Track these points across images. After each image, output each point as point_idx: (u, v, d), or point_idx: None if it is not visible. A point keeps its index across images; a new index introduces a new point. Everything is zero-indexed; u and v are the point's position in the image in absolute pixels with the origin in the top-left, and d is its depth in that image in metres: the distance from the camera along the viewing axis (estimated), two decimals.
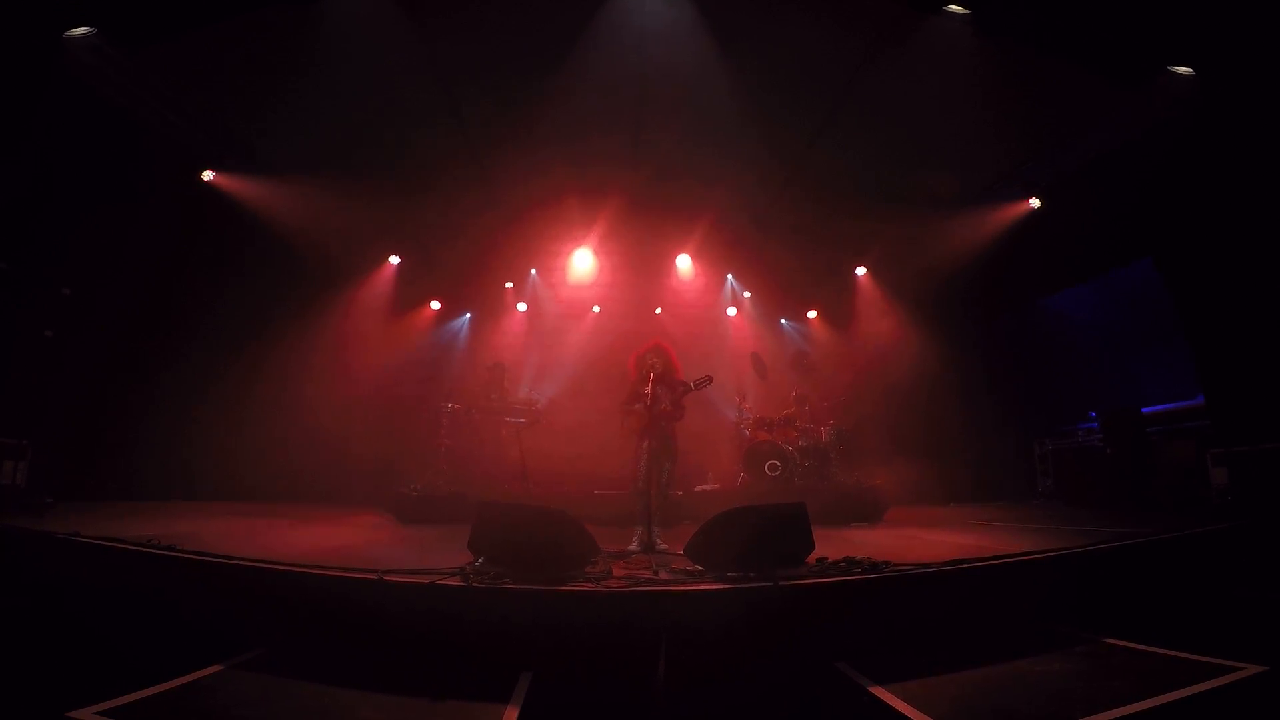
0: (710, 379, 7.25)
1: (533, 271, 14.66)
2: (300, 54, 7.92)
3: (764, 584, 4.05)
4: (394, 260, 13.57)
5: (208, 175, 10.17)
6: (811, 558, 4.60)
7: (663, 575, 4.53)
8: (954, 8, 7.40)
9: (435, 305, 14.60)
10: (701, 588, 4.06)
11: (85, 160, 8.54)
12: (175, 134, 9.24)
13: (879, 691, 3.32)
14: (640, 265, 14.05)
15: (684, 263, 14.07)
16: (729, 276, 14.95)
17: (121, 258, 9.57)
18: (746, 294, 15.13)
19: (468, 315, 15.08)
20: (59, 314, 8.42)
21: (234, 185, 10.41)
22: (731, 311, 15.29)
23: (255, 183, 10.50)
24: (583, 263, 13.85)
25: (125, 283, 9.75)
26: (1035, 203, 11.15)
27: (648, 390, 6.69)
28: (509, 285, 14.76)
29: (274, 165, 10.44)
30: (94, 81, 7.86)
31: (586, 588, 4.00)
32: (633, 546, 6.27)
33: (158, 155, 9.32)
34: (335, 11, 7.50)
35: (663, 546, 6.15)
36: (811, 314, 15.35)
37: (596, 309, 14.82)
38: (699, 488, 11.06)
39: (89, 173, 8.67)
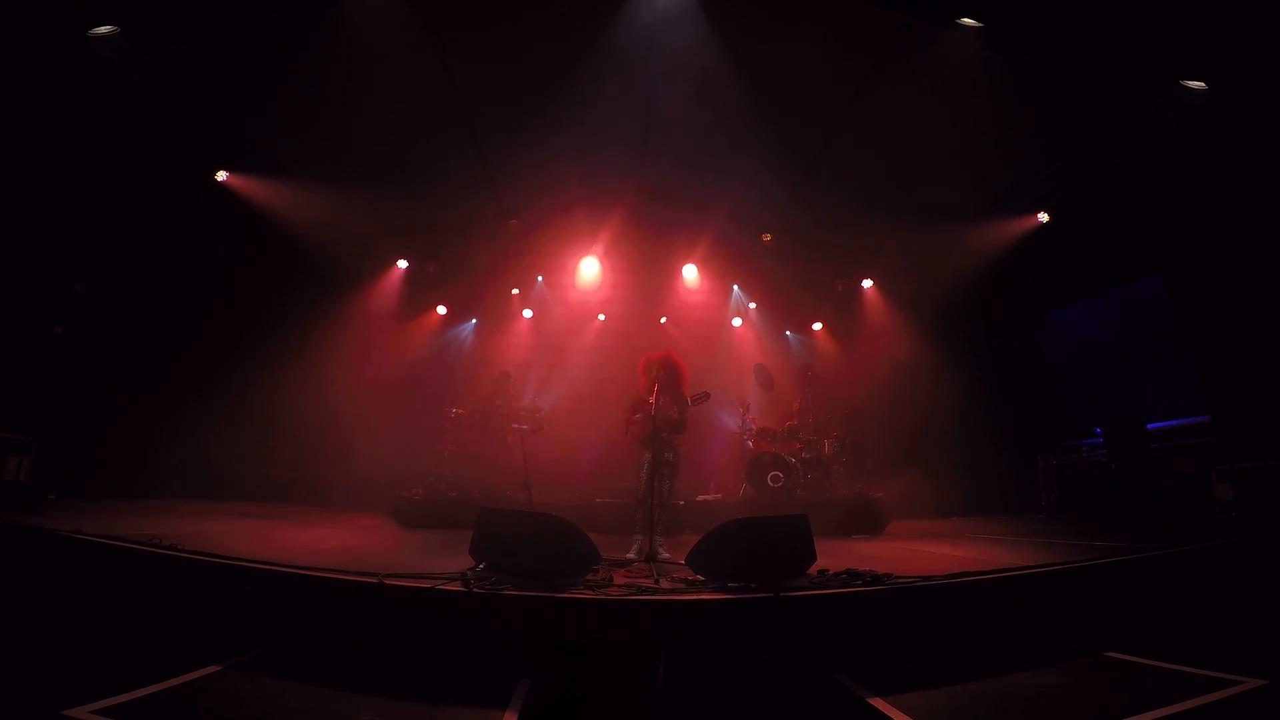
0: (707, 395, 7.23)
1: (539, 278, 14.67)
2: (314, 60, 8.01)
3: (765, 595, 4.03)
4: (402, 264, 13.59)
5: (221, 176, 10.21)
6: (813, 569, 4.58)
7: (664, 584, 4.52)
8: (966, 21, 7.42)
9: (441, 310, 14.58)
10: (702, 597, 4.05)
11: (101, 157, 8.63)
12: (191, 134, 9.29)
13: (878, 703, 3.30)
14: (646, 274, 14.04)
15: (690, 272, 14.05)
16: (734, 287, 14.93)
17: (133, 255, 9.64)
18: (752, 305, 15.11)
19: (473, 321, 15.08)
20: (69, 310, 8.46)
21: (246, 187, 10.47)
22: (737, 322, 15.26)
23: (267, 184, 10.55)
24: (589, 270, 13.85)
25: (135, 281, 9.81)
26: (1043, 217, 11.13)
27: (652, 400, 6.68)
28: (515, 292, 14.75)
29: (285, 168, 10.49)
30: (114, 80, 7.92)
31: (587, 595, 4.00)
32: (633, 555, 6.26)
33: (173, 154, 9.39)
34: (351, 18, 7.56)
35: (664, 555, 6.12)
36: (817, 326, 15.33)
37: (601, 317, 14.81)
38: (701, 498, 11.04)
39: (104, 169, 8.74)
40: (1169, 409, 10.61)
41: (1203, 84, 7.74)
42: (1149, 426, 10.62)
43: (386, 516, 9.66)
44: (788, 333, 15.60)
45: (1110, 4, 6.91)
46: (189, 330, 10.75)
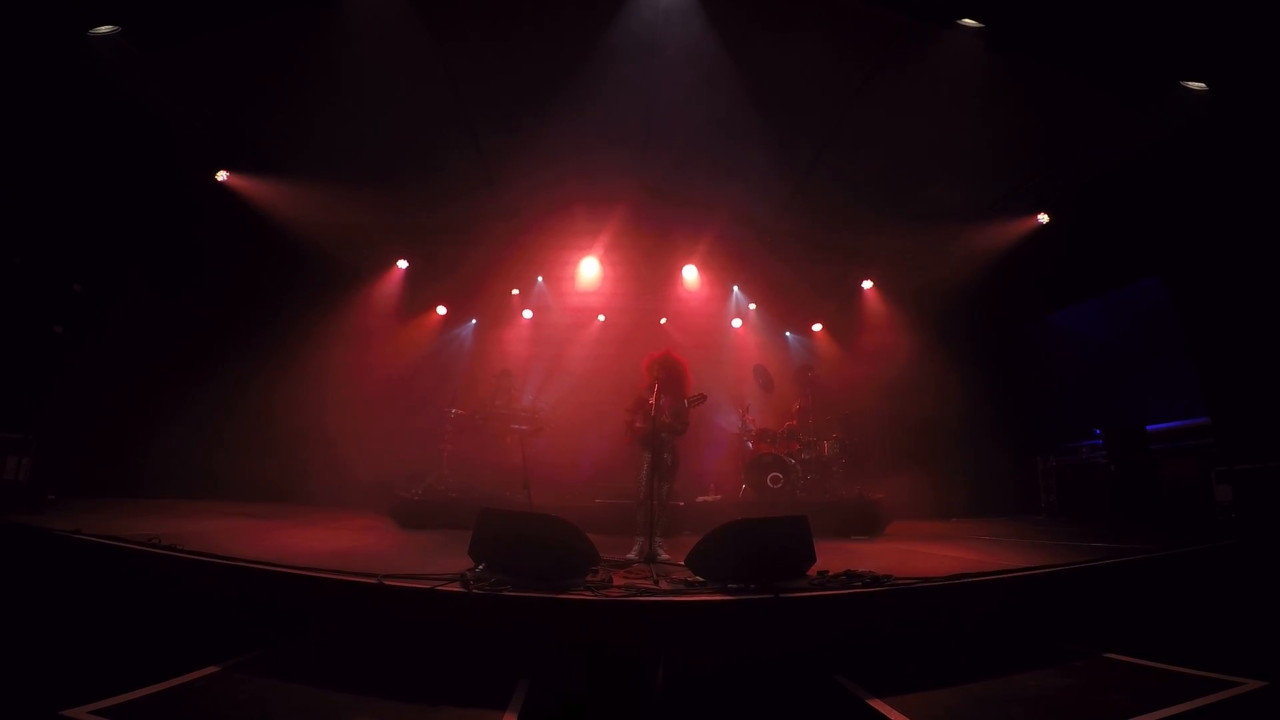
0: (703, 397, 7.23)
1: (539, 279, 14.66)
2: (314, 59, 8.01)
3: (764, 596, 4.03)
4: (402, 264, 13.59)
5: (221, 175, 10.21)
6: (812, 570, 4.58)
7: (663, 585, 4.52)
8: (967, 21, 7.42)
9: (441, 310, 14.59)
10: (702, 599, 4.05)
11: (102, 156, 8.62)
12: (191, 133, 9.30)
13: (878, 704, 3.30)
14: (646, 275, 14.04)
15: (690, 273, 14.04)
16: (734, 288, 14.93)
17: (133, 255, 9.65)
18: (752, 306, 15.10)
19: (473, 321, 15.08)
20: (69, 310, 8.45)
21: (247, 186, 10.47)
22: (736, 323, 15.26)
23: (267, 184, 10.55)
24: (589, 271, 13.84)
25: (136, 280, 9.81)
26: (1043, 218, 11.12)
27: (652, 400, 6.68)
28: (515, 292, 14.76)
29: (285, 167, 10.49)
30: (114, 79, 7.91)
31: (586, 596, 3.99)
32: (633, 555, 6.25)
33: (174, 154, 9.39)
34: (352, 18, 7.56)
35: (664, 556, 6.11)
36: (817, 327, 15.33)
37: (601, 318, 14.81)
38: (701, 498, 11.03)
39: (105, 169, 8.74)
40: (1168, 410, 10.61)
41: (1203, 85, 7.74)
42: (1148, 428, 10.63)
43: (386, 517, 9.67)
44: (787, 333, 15.60)
45: (1110, 4, 6.91)
46: (189, 330, 10.73)
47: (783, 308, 14.96)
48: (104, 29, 7.35)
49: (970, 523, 11.16)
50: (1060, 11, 7.09)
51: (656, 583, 4.63)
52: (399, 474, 11.20)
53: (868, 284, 14.13)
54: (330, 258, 12.39)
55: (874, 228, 12.09)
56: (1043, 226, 11.19)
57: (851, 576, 4.44)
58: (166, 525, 6.28)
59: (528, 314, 14.95)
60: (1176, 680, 3.58)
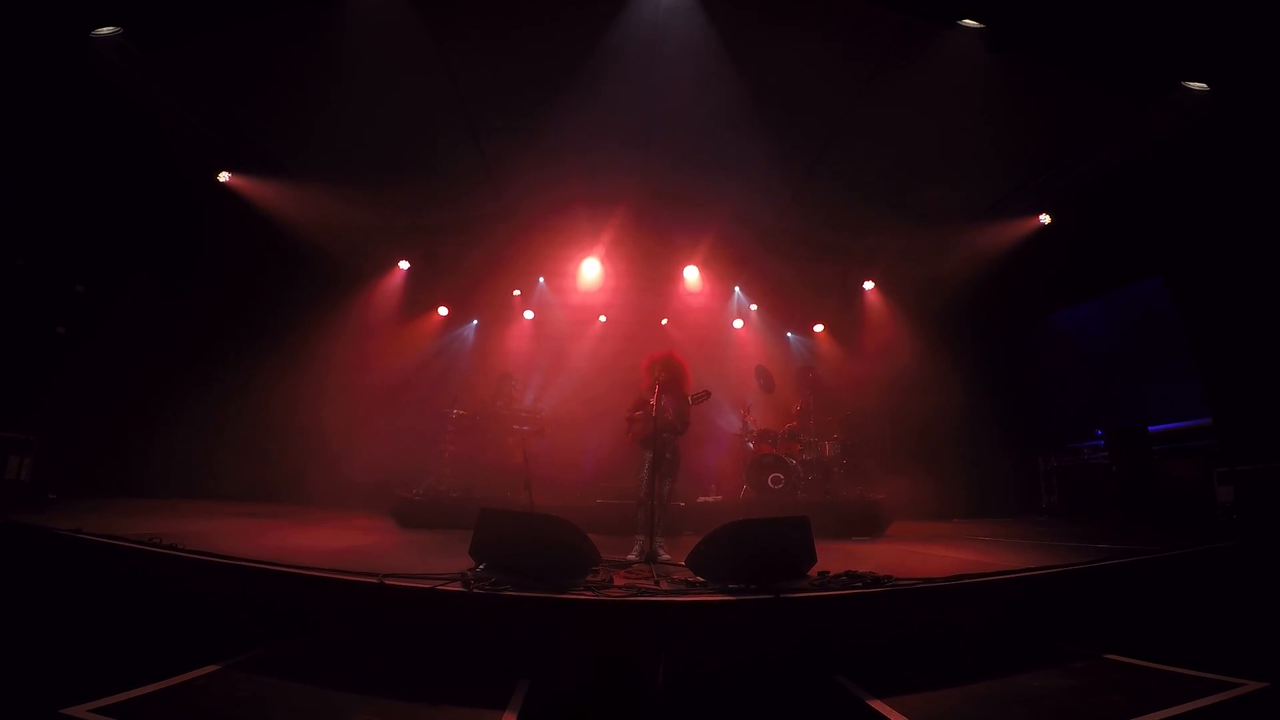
0: (708, 394, 7.22)
1: (540, 280, 14.66)
2: (316, 60, 8.03)
3: (765, 596, 4.03)
4: (403, 265, 13.61)
5: (224, 177, 10.22)
6: (813, 571, 4.57)
7: (664, 585, 4.51)
8: (968, 22, 7.42)
9: (443, 311, 14.59)
10: (702, 599, 4.04)
11: (104, 158, 8.63)
12: (193, 134, 9.31)
13: (878, 705, 3.29)
14: (647, 276, 14.04)
15: (691, 274, 14.04)
16: (736, 289, 14.93)
17: (135, 256, 9.66)
18: (753, 306, 15.10)
19: (474, 322, 15.08)
20: (71, 311, 8.47)
21: (249, 187, 10.47)
22: (738, 324, 15.25)
23: (269, 185, 10.56)
24: (590, 272, 13.85)
25: (137, 281, 9.82)
26: (1045, 218, 11.10)
27: (653, 400, 6.67)
28: (517, 293, 14.76)
29: (287, 169, 10.51)
30: (116, 81, 7.93)
31: (587, 596, 3.99)
32: (634, 556, 6.25)
33: (174, 154, 9.40)
34: (352, 18, 7.57)
35: (665, 557, 6.12)
36: (818, 328, 15.31)
37: (603, 318, 14.81)
38: (701, 499, 11.02)
39: (107, 170, 8.76)
40: (1170, 411, 10.60)
41: (1204, 85, 7.73)
42: (1150, 428, 10.62)
43: (386, 517, 9.67)
44: (789, 334, 15.58)
45: (1111, 4, 6.90)
46: (190, 330, 10.75)
47: (784, 308, 14.94)
48: (105, 30, 7.37)
49: (971, 523, 11.15)
50: (1061, 11, 7.08)
51: (657, 583, 4.63)
52: (399, 474, 11.21)
53: (869, 284, 14.12)
54: (331, 258, 12.40)
55: (875, 228, 12.11)
56: (1044, 227, 11.17)
57: (852, 577, 4.43)
58: (167, 525, 6.29)
59: (529, 314, 14.94)
60: (1177, 681, 3.57)
